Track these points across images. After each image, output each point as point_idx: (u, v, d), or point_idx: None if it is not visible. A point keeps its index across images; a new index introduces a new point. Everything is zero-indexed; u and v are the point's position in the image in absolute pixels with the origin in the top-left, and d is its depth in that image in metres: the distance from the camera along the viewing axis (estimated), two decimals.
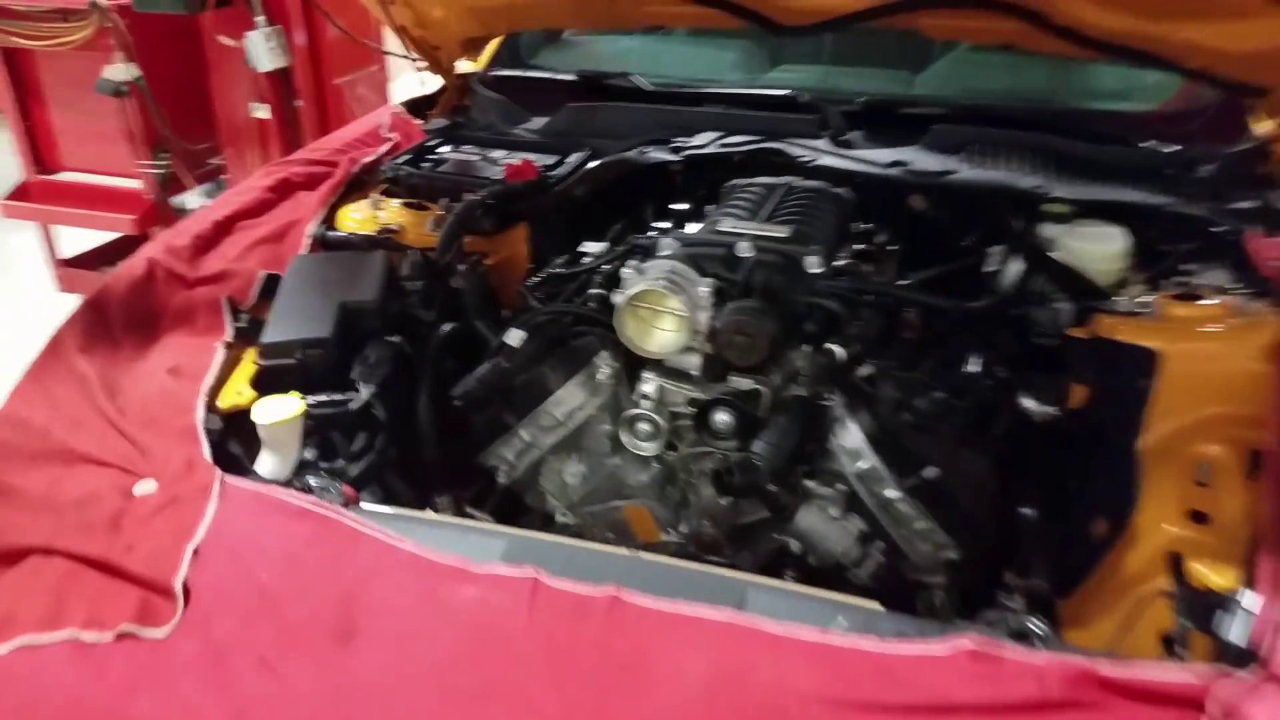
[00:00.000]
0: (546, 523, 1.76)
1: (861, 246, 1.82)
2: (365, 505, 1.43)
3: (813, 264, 1.58)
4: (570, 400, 1.63)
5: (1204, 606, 1.22)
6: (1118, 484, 1.48)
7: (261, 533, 1.25)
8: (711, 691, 1.04)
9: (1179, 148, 1.94)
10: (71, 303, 3.67)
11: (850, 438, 1.51)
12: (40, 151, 3.83)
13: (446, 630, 1.11)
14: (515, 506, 1.78)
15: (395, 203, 2.01)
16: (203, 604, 1.17)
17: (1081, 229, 1.73)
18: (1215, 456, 1.43)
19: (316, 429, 1.55)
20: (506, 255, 2.02)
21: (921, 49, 2.42)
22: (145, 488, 1.35)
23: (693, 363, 1.58)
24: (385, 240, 1.84)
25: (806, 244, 1.65)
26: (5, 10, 3.54)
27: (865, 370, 1.53)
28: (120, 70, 3.41)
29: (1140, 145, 1.97)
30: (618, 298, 1.55)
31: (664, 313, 1.56)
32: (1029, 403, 1.65)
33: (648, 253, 1.70)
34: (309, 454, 1.55)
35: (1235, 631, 1.15)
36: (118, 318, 1.64)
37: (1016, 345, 1.77)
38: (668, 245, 1.65)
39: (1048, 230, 1.74)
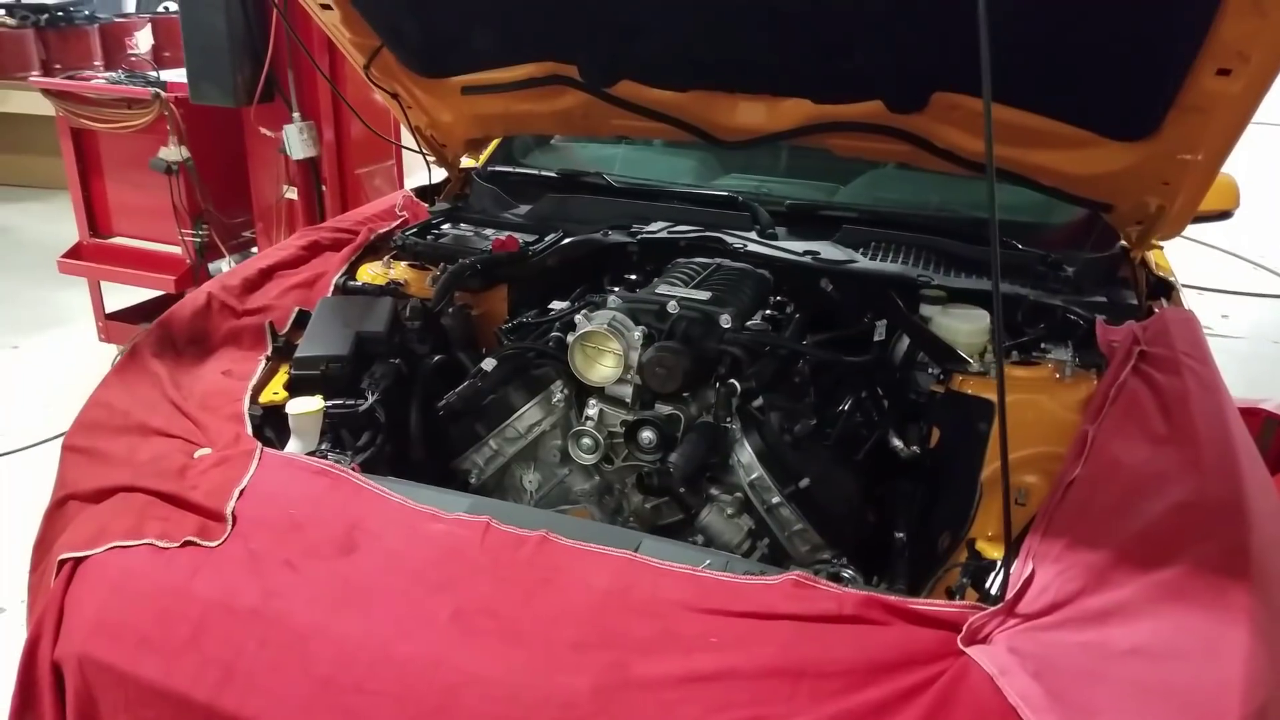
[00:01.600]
0: None
1: (772, 314, 2.30)
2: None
3: (724, 320, 2.06)
4: (530, 417, 2.08)
5: (979, 570, 1.66)
6: (960, 506, 1.90)
7: (291, 483, 1.69)
8: (607, 597, 1.47)
9: (1045, 252, 2.42)
10: (112, 352, 4.15)
11: (744, 454, 1.96)
12: (95, 217, 4.36)
13: (421, 549, 1.54)
14: None
15: (403, 264, 2.50)
16: (246, 525, 1.61)
17: (953, 310, 2.19)
18: (1031, 484, 1.86)
19: (332, 426, 2.00)
20: (488, 309, 2.51)
21: (849, 167, 2.95)
22: (204, 452, 1.79)
23: (626, 392, 2.04)
24: (393, 290, 2.32)
25: (723, 306, 2.13)
26: (78, 97, 4.12)
27: (758, 402, 1.99)
28: (173, 152, 3.97)
29: (1015, 248, 2.45)
30: (570, 337, 2.02)
31: (605, 351, 2.03)
32: (897, 443, 2.10)
33: (597, 306, 2.18)
34: (324, 445, 2.00)
35: (994, 585, 1.58)
36: (181, 335, 2.11)
37: (892, 395, 2.24)
38: (613, 301, 2.13)
39: (926, 310, 2.22)
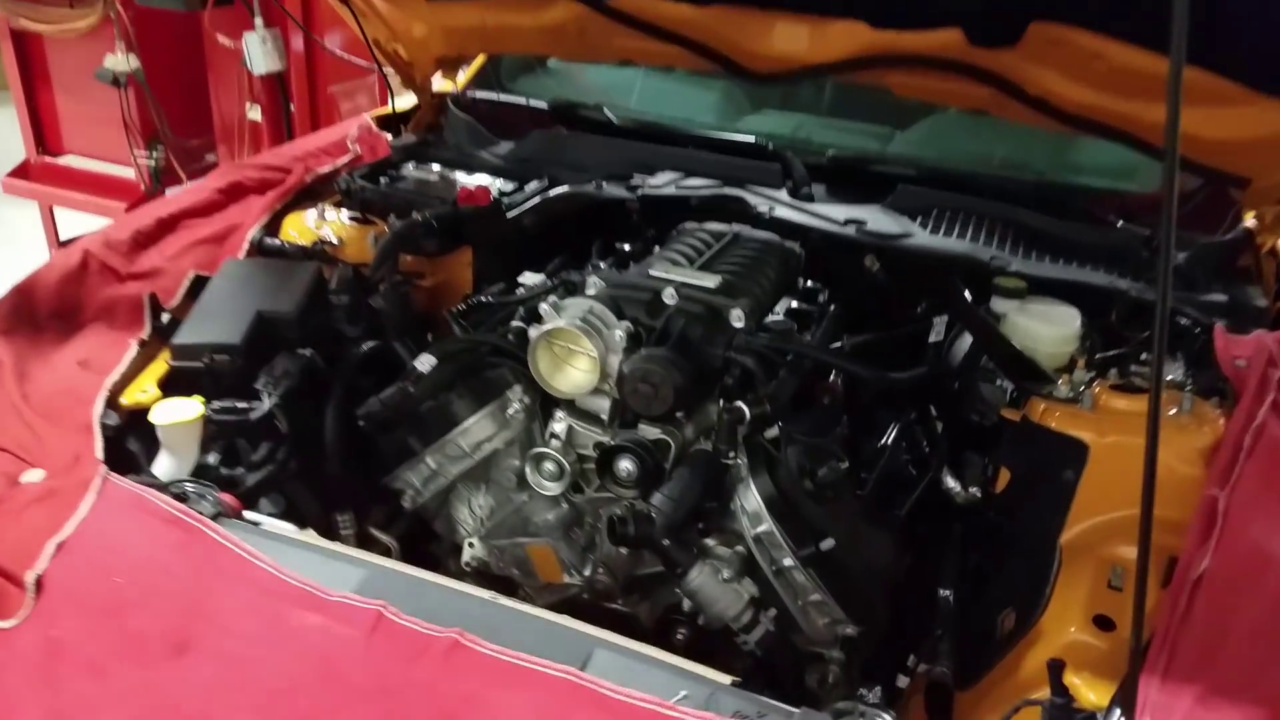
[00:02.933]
0: (454, 552, 1.75)
1: (799, 305, 1.80)
2: (250, 515, 1.42)
3: (735, 317, 1.57)
4: (478, 432, 1.61)
5: None
6: (1031, 578, 1.43)
7: (127, 534, 1.25)
8: None
9: (1150, 234, 1.90)
10: None
11: (750, 500, 1.49)
12: (43, 133, 3.88)
13: (281, 655, 1.09)
14: (426, 531, 1.77)
15: (342, 216, 2.01)
16: (53, 600, 1.16)
17: (1034, 307, 1.69)
18: (1130, 561, 1.39)
19: (220, 435, 1.54)
20: (446, 278, 2.02)
21: (909, 106, 2.41)
22: (32, 476, 1.35)
23: (603, 406, 1.57)
24: (318, 252, 1.84)
25: (734, 296, 1.64)
26: None
27: (773, 432, 1.51)
28: (120, 60, 3.45)
29: (1114, 225, 1.94)
30: (533, 332, 1.55)
31: (577, 353, 1.55)
32: (951, 483, 1.63)
33: (572, 289, 1.69)
34: (212, 458, 1.55)
35: None
36: (45, 306, 1.65)
37: (949, 415, 1.75)
38: (594, 284, 1.65)
39: (998, 305, 1.72)
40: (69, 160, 3.90)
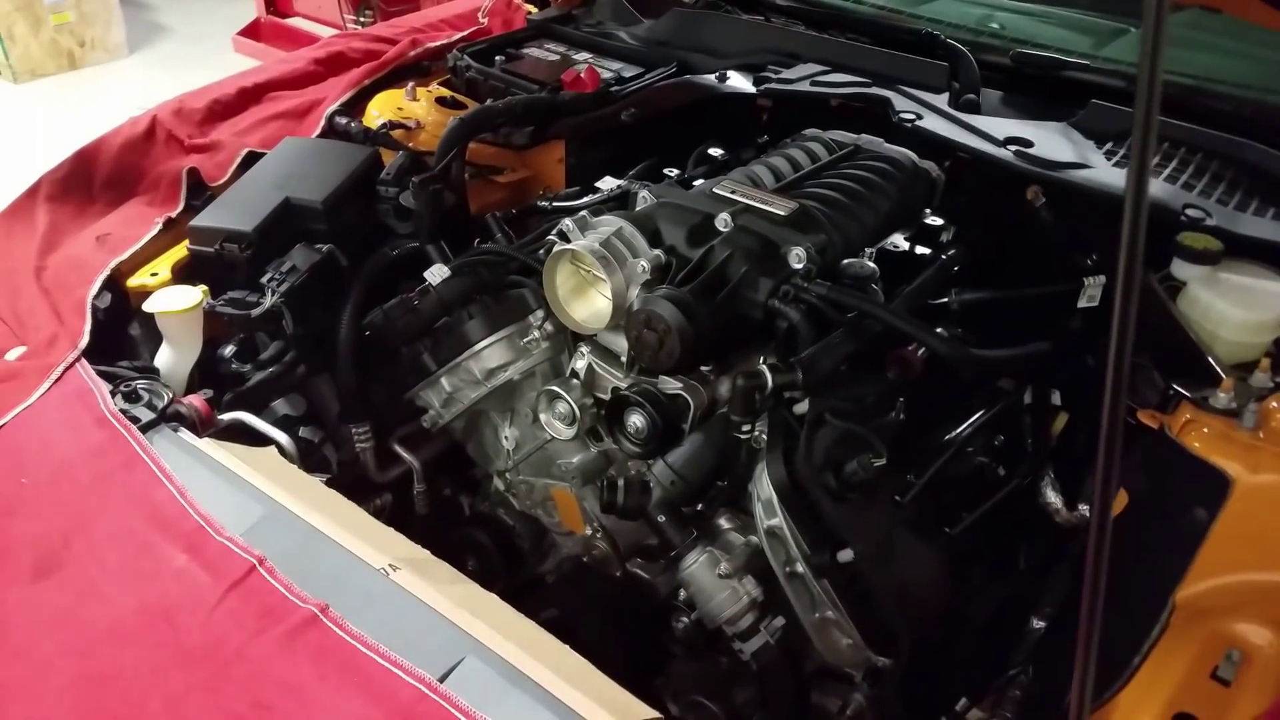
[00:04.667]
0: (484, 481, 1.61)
1: (904, 247, 1.43)
2: (241, 418, 1.34)
3: (795, 257, 1.26)
4: (491, 358, 1.42)
5: None
6: (1127, 635, 1.08)
7: (56, 431, 1.18)
8: None
9: None
10: None
11: (764, 487, 1.21)
12: None
13: (130, 597, 0.99)
14: (459, 455, 1.63)
15: (434, 95, 1.84)
16: None
17: (1229, 278, 1.27)
18: (1254, 646, 1.01)
19: (234, 326, 1.46)
20: (535, 174, 1.81)
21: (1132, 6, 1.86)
22: (14, 354, 1.32)
23: (623, 345, 1.32)
24: (381, 136, 1.68)
25: (807, 230, 1.31)
26: None
27: (803, 407, 1.20)
28: None
29: None
30: (554, 250, 1.31)
31: (601, 279, 1.31)
32: (1052, 496, 1.26)
33: (618, 205, 1.44)
34: (228, 350, 1.48)
35: None
36: (101, 173, 1.62)
37: (1079, 413, 1.36)
38: (644, 198, 1.38)
39: (1180, 270, 1.30)
40: (296, 23, 4.01)
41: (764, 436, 1.22)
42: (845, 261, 1.32)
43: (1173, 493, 1.14)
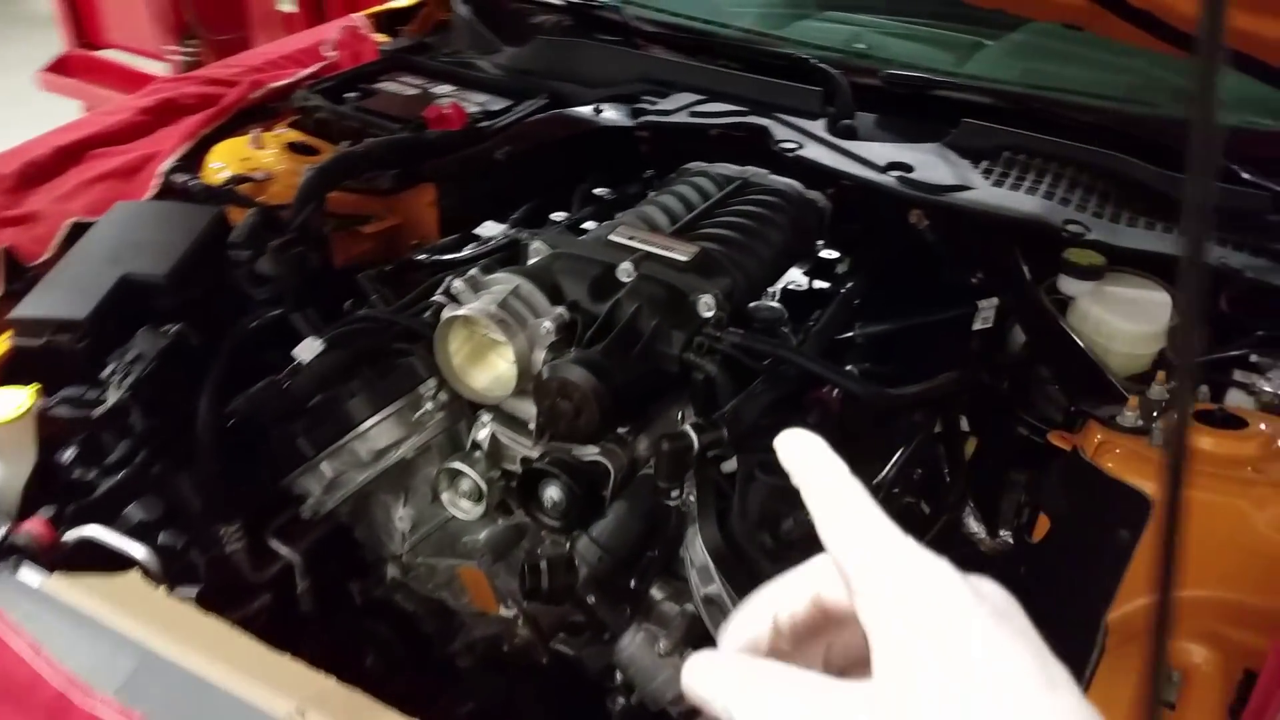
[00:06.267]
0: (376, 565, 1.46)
1: (803, 282, 1.39)
2: (93, 533, 1.16)
3: (704, 305, 1.18)
4: (380, 438, 1.29)
5: None
6: (1065, 661, 1.05)
7: None
8: None
9: None
10: None
11: (696, 551, 1.13)
12: (83, 23, 3.66)
13: None
14: (346, 540, 1.48)
15: (283, 140, 1.67)
16: None
17: (1114, 290, 1.29)
18: (1192, 665, 1.00)
19: (73, 429, 1.27)
20: (404, 223, 1.68)
21: (995, 19, 1.89)
22: None
23: (531, 412, 1.21)
24: (225, 193, 1.51)
25: (711, 274, 1.24)
26: None
27: (732, 465, 1.13)
28: None
29: (1234, 175, 1.45)
30: (444, 312, 1.19)
31: (500, 343, 1.20)
32: (975, 526, 1.23)
33: (514, 259, 1.33)
34: (68, 454, 1.28)
35: None
36: None
37: (988, 436, 1.35)
38: (536, 250, 1.28)
39: (1067, 285, 1.30)
40: (110, 55, 3.69)
41: (692, 499, 1.14)
42: (753, 305, 1.26)
43: (1094, 514, 1.13)
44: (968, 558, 1.25)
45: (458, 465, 1.24)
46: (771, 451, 1.12)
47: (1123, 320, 1.27)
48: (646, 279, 1.20)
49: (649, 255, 1.24)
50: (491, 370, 1.21)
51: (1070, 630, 1.07)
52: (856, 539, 0.45)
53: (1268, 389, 1.21)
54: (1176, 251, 1.31)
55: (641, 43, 1.89)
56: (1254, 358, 1.26)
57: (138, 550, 1.17)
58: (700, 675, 0.45)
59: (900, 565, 0.43)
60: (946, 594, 0.42)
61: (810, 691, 0.42)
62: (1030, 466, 1.31)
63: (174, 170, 1.56)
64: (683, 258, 1.25)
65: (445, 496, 1.27)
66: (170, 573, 1.21)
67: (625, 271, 1.21)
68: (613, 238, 1.29)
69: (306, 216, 1.46)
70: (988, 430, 1.34)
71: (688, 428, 1.10)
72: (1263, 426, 1.09)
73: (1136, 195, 1.43)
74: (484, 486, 1.23)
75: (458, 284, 1.20)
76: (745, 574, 1.10)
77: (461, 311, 1.15)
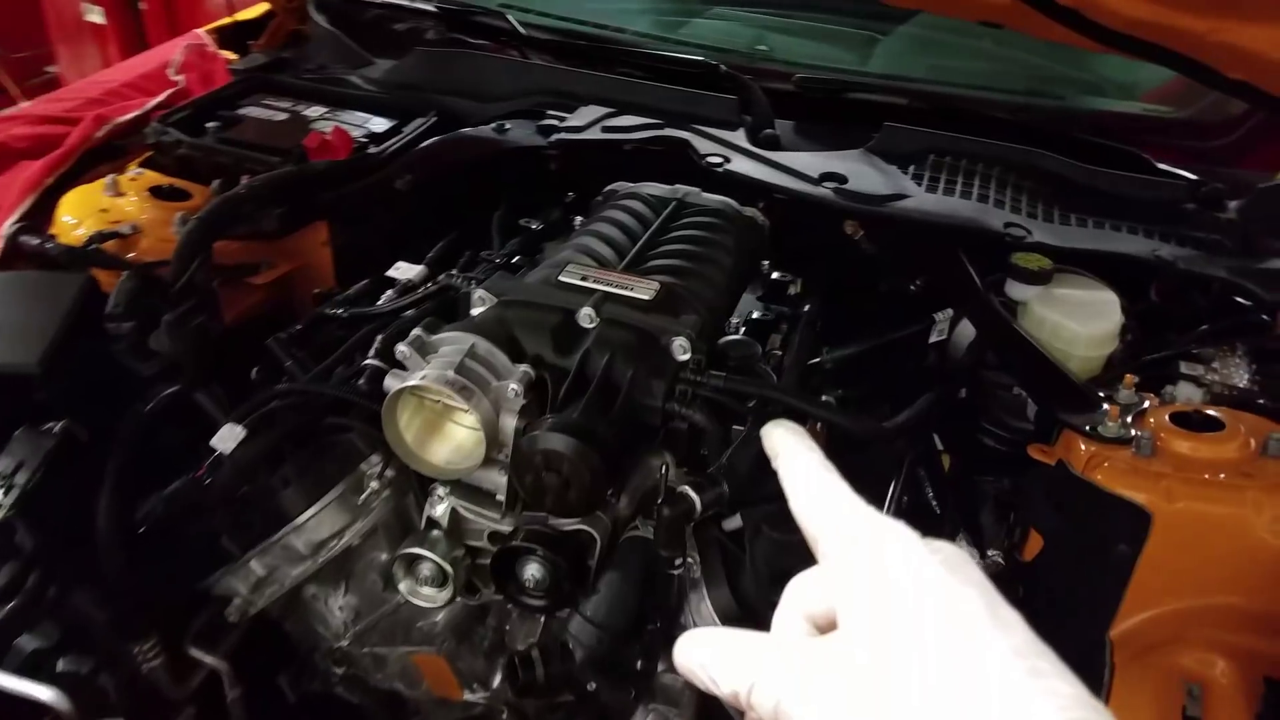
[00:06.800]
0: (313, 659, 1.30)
1: (764, 312, 1.32)
2: None
3: (679, 348, 1.08)
4: (321, 529, 1.13)
5: None
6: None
7: None
8: None
9: (1198, 178, 1.46)
10: None
11: (706, 617, 1.04)
12: None
13: None
14: (275, 635, 1.31)
15: (143, 185, 1.46)
16: None
17: (1062, 294, 1.27)
18: (1210, 678, 0.99)
19: None
20: (298, 269, 1.50)
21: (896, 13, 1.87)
22: None
23: (498, 481, 1.09)
24: (90, 254, 1.30)
25: (676, 311, 1.15)
26: None
27: (734, 522, 1.05)
28: None
29: (1151, 166, 1.48)
30: (389, 382, 1.05)
31: (455, 410, 1.07)
32: (968, 550, 1.19)
33: (450, 308, 1.20)
34: None
35: None
36: None
37: (956, 449, 1.32)
38: (479, 299, 1.15)
39: (1016, 291, 1.28)
40: None
41: (692, 561, 1.05)
42: (723, 341, 1.18)
43: (1090, 530, 1.10)
44: None
45: (416, 550, 1.10)
46: (771, 503, 1.06)
47: (1079, 323, 1.25)
48: (612, 324, 1.10)
49: (608, 296, 1.13)
50: (451, 442, 1.08)
51: (1075, 649, 1.05)
52: (823, 507, 0.53)
53: (1216, 379, 1.23)
54: (1120, 250, 1.33)
55: (529, 51, 1.77)
56: (1195, 349, 1.27)
57: (44, 694, 0.99)
58: (685, 648, 0.52)
59: (862, 527, 0.50)
60: (904, 550, 0.47)
61: (786, 650, 0.48)
62: (1001, 476, 1.29)
63: (19, 231, 1.32)
64: (645, 296, 1.14)
65: (404, 586, 1.12)
66: (81, 704, 1.03)
67: (587, 317, 1.10)
68: (564, 278, 1.17)
69: (192, 274, 1.27)
70: (960, 446, 1.31)
71: (687, 489, 1.00)
72: (1240, 426, 1.10)
73: (1062, 191, 1.44)
74: (448, 569, 1.10)
75: (402, 348, 1.05)
76: None
77: (415, 381, 1.01)
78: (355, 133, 1.58)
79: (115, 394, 1.20)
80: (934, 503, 1.22)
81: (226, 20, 1.96)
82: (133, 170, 1.50)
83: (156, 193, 1.43)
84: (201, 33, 1.89)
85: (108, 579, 1.12)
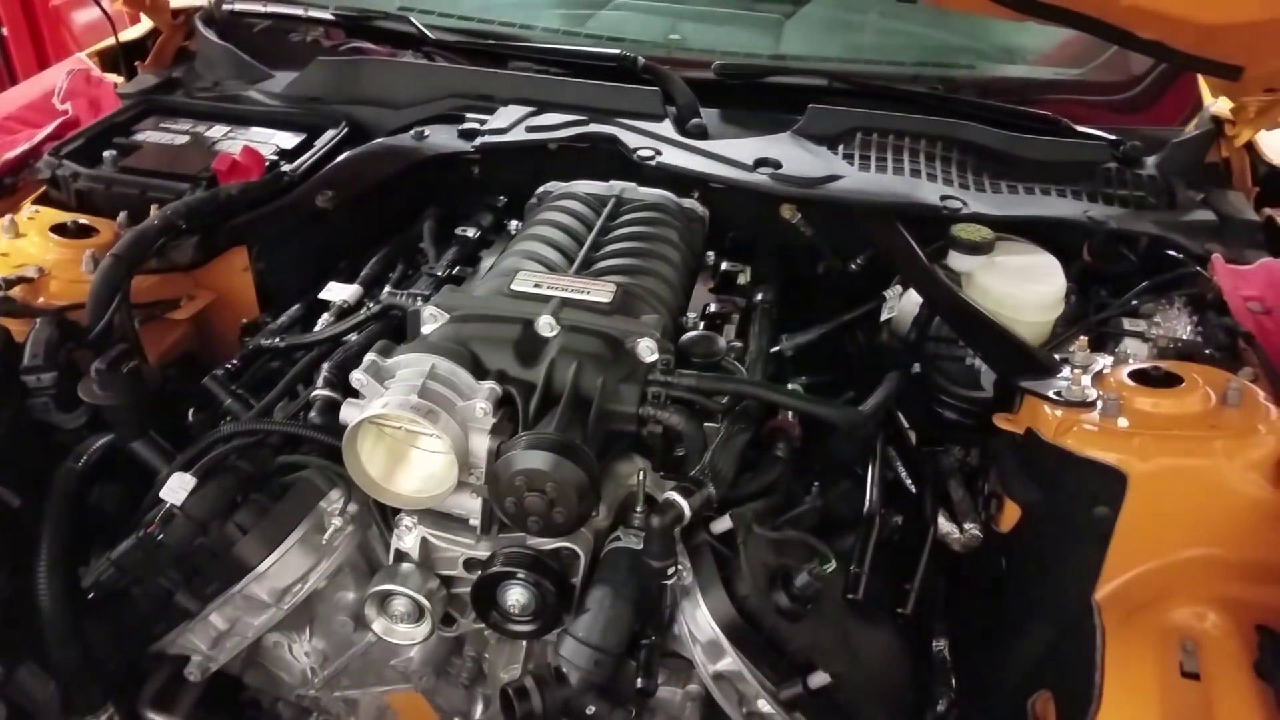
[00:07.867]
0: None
1: (720, 304, 1.30)
2: None
3: (645, 349, 1.06)
4: (284, 575, 1.07)
5: None
6: (1068, 651, 1.04)
7: None
8: None
9: (1119, 137, 1.51)
10: None
11: (703, 626, 1.01)
12: None
13: None
14: (235, 688, 1.23)
15: (43, 223, 1.35)
16: None
17: (1004, 261, 1.29)
18: (1202, 631, 1.00)
19: None
20: (218, 298, 1.42)
21: None
22: None
23: (471, 506, 1.04)
24: (1, 301, 1.19)
25: (635, 314, 1.12)
26: None
27: (723, 524, 1.02)
28: None
29: (1069, 130, 1.52)
30: (347, 414, 0.99)
31: (421, 433, 1.02)
32: (947, 526, 1.19)
33: (398, 329, 1.14)
34: None
35: None
36: None
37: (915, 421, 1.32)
38: (430, 316, 1.10)
39: (958, 262, 1.29)
40: None
41: (685, 570, 1.02)
42: (685, 338, 1.15)
43: (1067, 496, 1.11)
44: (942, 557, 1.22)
45: (389, 586, 1.04)
46: (755, 498, 1.04)
47: (1025, 291, 1.27)
48: (574, 331, 1.06)
49: (565, 301, 1.10)
50: (420, 470, 1.03)
51: (1061, 617, 1.06)
52: None
53: (1161, 333, 1.26)
54: (1053, 214, 1.36)
55: (435, 53, 1.71)
56: (1136, 305, 1.30)
57: None
58: None
59: None
60: None
61: None
62: (964, 447, 1.29)
63: None
64: (603, 299, 1.11)
65: (378, 625, 1.07)
66: None
67: (547, 325, 1.06)
68: (516, 287, 1.13)
69: (111, 316, 1.18)
70: (920, 420, 1.31)
71: (674, 495, 0.98)
72: (1197, 378, 1.11)
73: (985, 159, 1.46)
74: (425, 603, 1.05)
75: (358, 375, 1.00)
76: (760, 643, 1.00)
77: (378, 409, 0.96)
78: (264, 150, 1.50)
79: (45, 454, 1.10)
80: (908, 481, 1.21)
81: (104, 44, 1.83)
82: (28, 208, 1.39)
83: (60, 231, 1.33)
84: (83, 57, 1.77)
85: (53, 654, 1.03)
